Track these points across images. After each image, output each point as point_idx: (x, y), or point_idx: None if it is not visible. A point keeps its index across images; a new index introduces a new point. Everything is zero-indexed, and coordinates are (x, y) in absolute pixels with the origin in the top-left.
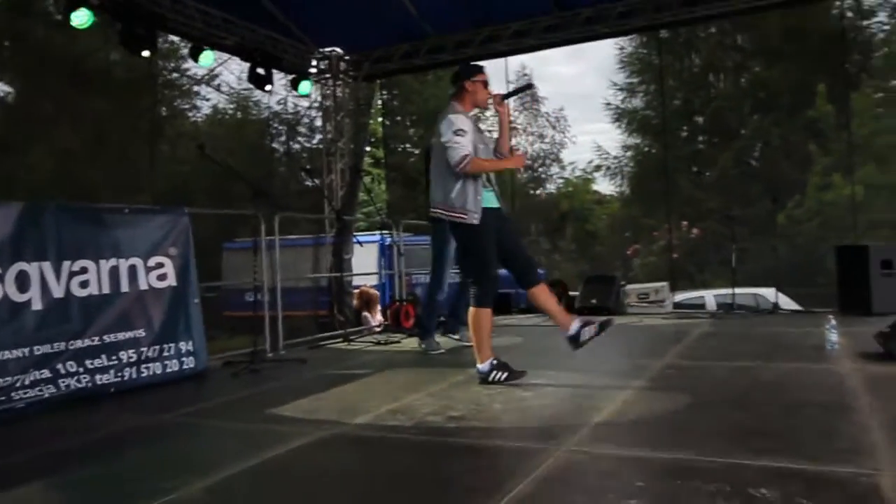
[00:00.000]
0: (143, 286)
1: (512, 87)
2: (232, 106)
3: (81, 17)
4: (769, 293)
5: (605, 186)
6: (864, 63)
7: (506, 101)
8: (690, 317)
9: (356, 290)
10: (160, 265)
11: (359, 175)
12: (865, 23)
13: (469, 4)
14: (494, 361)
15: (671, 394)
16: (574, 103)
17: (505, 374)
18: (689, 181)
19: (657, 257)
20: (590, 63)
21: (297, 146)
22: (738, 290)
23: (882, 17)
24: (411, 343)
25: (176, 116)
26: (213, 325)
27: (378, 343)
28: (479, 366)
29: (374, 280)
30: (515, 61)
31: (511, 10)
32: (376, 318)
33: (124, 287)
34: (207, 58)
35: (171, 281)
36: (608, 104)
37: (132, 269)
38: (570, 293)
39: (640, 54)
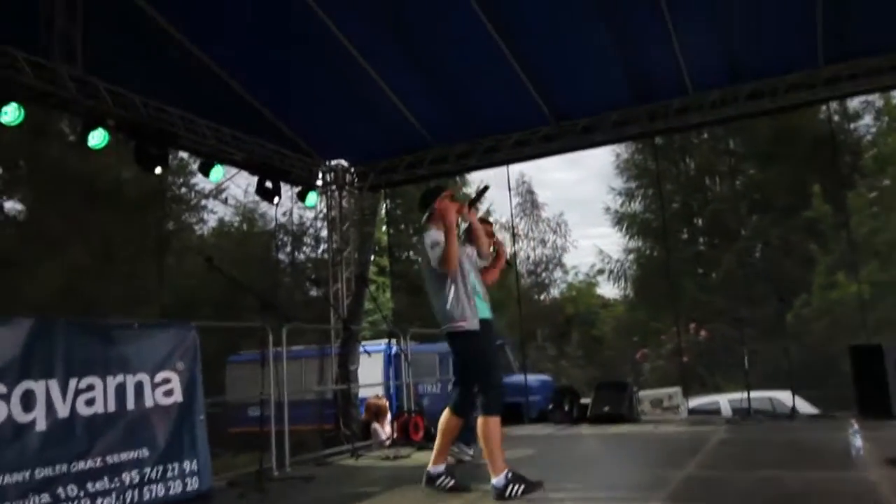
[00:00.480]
0: (149, 403)
1: (472, 196)
2: (238, 218)
3: (98, 138)
4: (785, 396)
5: (608, 290)
6: (855, 163)
7: (473, 209)
8: (706, 423)
9: (364, 402)
10: (167, 381)
11: (365, 284)
12: (853, 125)
13: (470, 116)
14: (510, 474)
15: None
16: (574, 208)
17: (522, 487)
18: (694, 283)
19: (666, 361)
20: (588, 169)
21: (302, 257)
22: (752, 394)
23: (868, 119)
24: (421, 457)
25: (183, 230)
26: (218, 443)
27: (387, 458)
28: (494, 480)
29: (382, 390)
30: (515, 169)
31: (511, 122)
32: (386, 429)
33: (130, 404)
34: (217, 173)
35: (178, 397)
36: (608, 209)
37: (139, 386)
38: (582, 401)
39: (637, 160)
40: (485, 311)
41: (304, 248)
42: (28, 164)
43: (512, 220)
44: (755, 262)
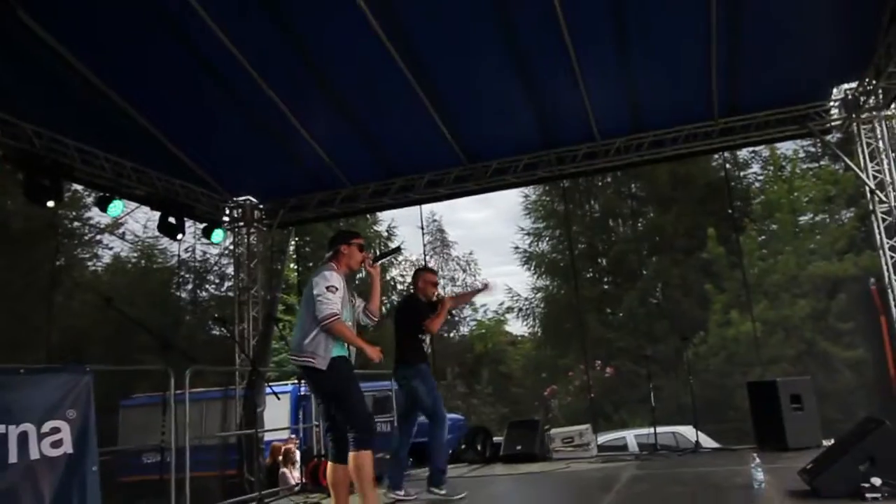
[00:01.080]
0: (34, 455)
1: (382, 252)
2: (136, 254)
3: None
4: (687, 431)
5: (517, 328)
6: (745, 208)
7: (377, 264)
8: (615, 459)
9: (270, 445)
10: (56, 430)
11: (272, 323)
12: (742, 173)
13: (383, 156)
14: None
15: None
16: (483, 247)
17: None
18: (599, 321)
19: (574, 397)
20: (497, 209)
21: (205, 294)
22: (658, 430)
23: (756, 167)
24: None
25: (75, 266)
26: (108, 493)
27: None
28: None
29: (293, 433)
30: (427, 208)
31: (424, 162)
32: (295, 474)
33: (13, 457)
34: (116, 208)
35: (68, 448)
36: (517, 248)
37: (22, 437)
38: (495, 439)
39: (544, 201)
40: (341, 351)
41: (208, 286)
42: None
43: (424, 258)
44: (657, 301)
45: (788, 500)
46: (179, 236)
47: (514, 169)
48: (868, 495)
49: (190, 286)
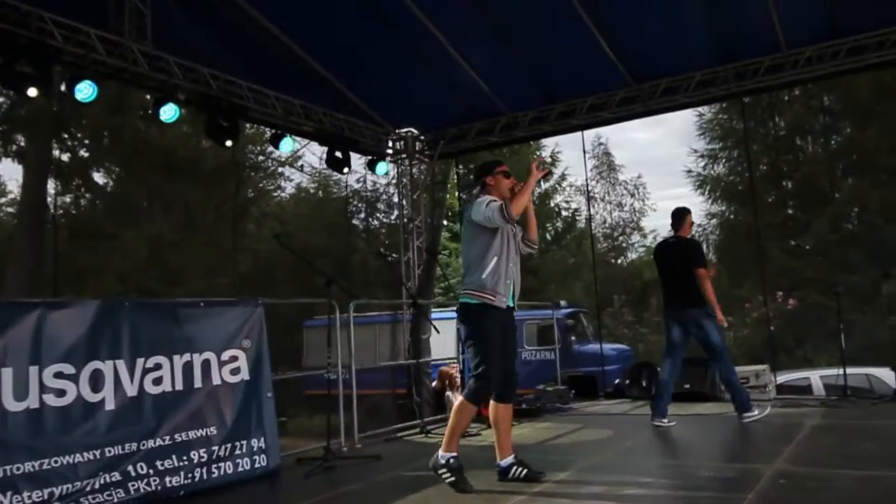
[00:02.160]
0: (216, 381)
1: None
2: (314, 185)
3: (169, 112)
4: (885, 374)
5: None
6: None
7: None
8: (798, 405)
9: (438, 370)
10: (234, 359)
11: (435, 256)
12: None
13: (542, 81)
14: (452, 461)
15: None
16: (653, 170)
17: (451, 477)
18: (782, 249)
19: (751, 330)
20: (668, 128)
21: (376, 223)
22: (848, 371)
23: None
24: (491, 434)
25: (261, 197)
26: (295, 405)
27: None
28: (441, 452)
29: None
30: (592, 130)
31: (585, 85)
32: (458, 399)
33: (197, 383)
34: (288, 144)
35: (245, 375)
36: (689, 171)
37: (206, 364)
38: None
39: (721, 119)
40: (510, 300)
41: (378, 215)
42: (112, 137)
43: (587, 183)
44: (852, 227)
45: None
46: (346, 170)
47: (685, 87)
48: None
49: (363, 215)
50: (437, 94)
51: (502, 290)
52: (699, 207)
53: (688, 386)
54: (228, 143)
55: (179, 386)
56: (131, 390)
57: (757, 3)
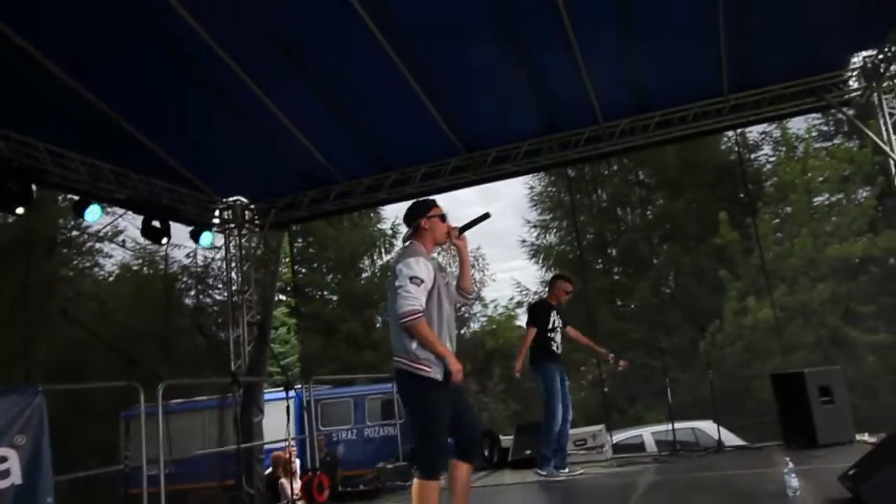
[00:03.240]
0: None
1: (468, 221)
2: (138, 262)
3: None
4: (707, 426)
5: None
6: (757, 192)
7: (464, 235)
8: (633, 462)
9: (271, 455)
10: (3, 459)
11: (267, 329)
12: (753, 155)
13: (375, 149)
14: None
15: None
16: (491, 242)
17: None
18: (610, 313)
19: (587, 392)
20: (503, 202)
21: (208, 300)
22: (676, 425)
23: (767, 149)
24: None
25: (76, 276)
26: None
27: None
28: None
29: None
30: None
31: (418, 154)
32: (295, 486)
33: None
34: (94, 213)
35: (16, 479)
36: (523, 241)
37: None
38: (503, 443)
39: (550, 192)
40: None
41: (210, 291)
42: None
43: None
44: (670, 291)
45: None
46: (164, 240)
47: (514, 157)
48: None
49: (192, 292)
50: (267, 162)
51: (437, 361)
52: (535, 275)
53: (529, 452)
54: (20, 209)
55: None
56: None
57: (574, 79)
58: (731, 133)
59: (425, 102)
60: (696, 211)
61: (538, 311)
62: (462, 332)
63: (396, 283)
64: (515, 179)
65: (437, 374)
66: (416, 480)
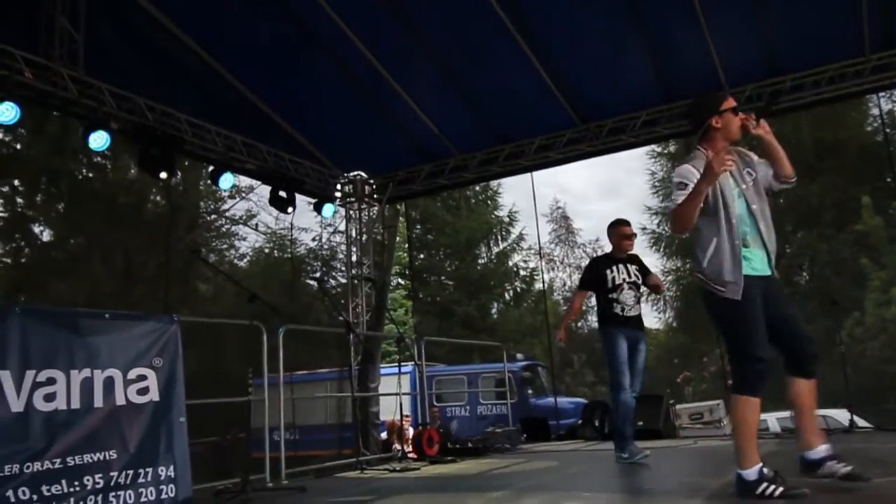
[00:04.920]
0: (119, 401)
1: (759, 104)
2: (269, 245)
3: (99, 140)
4: (839, 414)
5: (650, 321)
6: None
7: (762, 120)
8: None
9: (386, 422)
10: (142, 378)
11: (384, 299)
12: None
13: (490, 122)
14: (765, 470)
15: None
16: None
17: (780, 489)
18: None
19: (709, 384)
20: (627, 200)
21: (333, 282)
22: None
23: None
24: (431, 470)
25: (215, 256)
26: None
27: (393, 470)
28: (742, 471)
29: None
30: (550, 196)
31: (533, 126)
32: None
33: (98, 402)
34: (228, 180)
35: (154, 396)
36: (644, 228)
37: (108, 382)
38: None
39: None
40: (757, 265)
41: (335, 273)
42: (49, 182)
43: (538, 239)
44: (804, 280)
45: None
46: (290, 210)
47: (631, 127)
48: None
49: (318, 274)
50: (386, 137)
51: (730, 278)
52: (655, 267)
53: (641, 423)
54: (163, 174)
55: (76, 404)
56: (16, 405)
57: (696, 43)
58: (876, 112)
59: (541, 73)
60: (834, 196)
61: (586, 272)
62: (579, 324)
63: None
64: (639, 171)
65: (733, 295)
66: (732, 398)
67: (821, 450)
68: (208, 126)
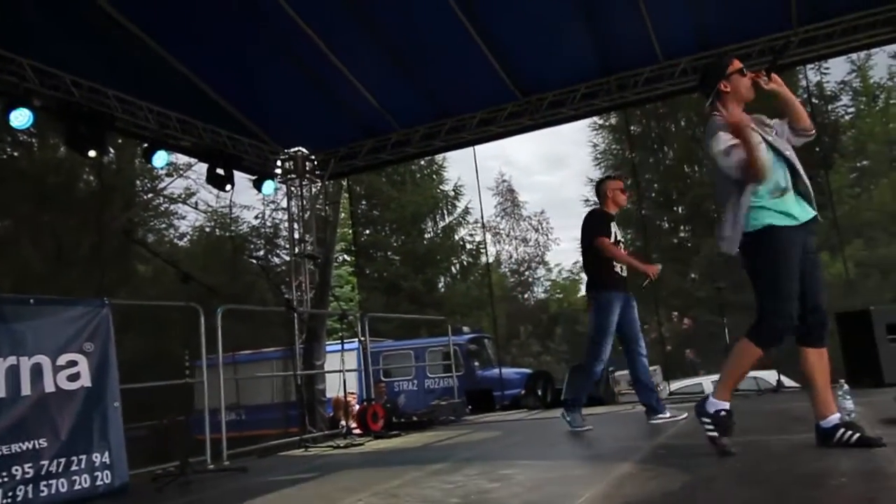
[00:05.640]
0: (48, 388)
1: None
2: (211, 223)
3: (20, 118)
4: (769, 375)
5: None
6: (834, 144)
7: (773, 75)
8: (689, 401)
9: (332, 399)
10: (72, 363)
11: (328, 276)
12: (830, 106)
13: (432, 97)
14: (723, 413)
15: (665, 473)
16: (559, 210)
17: (716, 434)
18: (675, 272)
19: (650, 350)
20: (571, 170)
21: (278, 260)
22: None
23: (845, 100)
24: (376, 445)
25: (153, 237)
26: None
27: (337, 447)
28: (712, 399)
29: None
30: (496, 170)
31: (475, 100)
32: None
33: (25, 389)
34: (161, 158)
35: (85, 381)
36: (587, 200)
37: (36, 369)
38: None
39: (614, 150)
40: (798, 209)
41: (280, 252)
42: None
43: (482, 213)
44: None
45: (883, 427)
46: (228, 187)
47: (571, 100)
48: None
49: (261, 252)
50: (327, 113)
51: (779, 222)
52: None
53: None
54: (92, 153)
55: (1, 393)
56: None
57: (633, 17)
58: (804, 83)
59: (482, 48)
60: None
61: (599, 223)
62: (525, 296)
63: (722, 165)
64: (582, 144)
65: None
66: (742, 338)
67: (832, 419)
68: (139, 103)
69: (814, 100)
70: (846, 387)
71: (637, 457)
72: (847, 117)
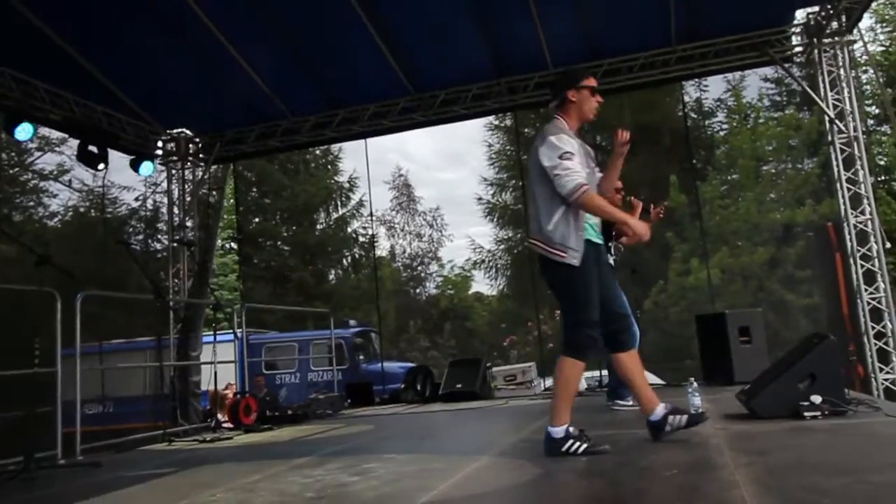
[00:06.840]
0: None
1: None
2: (85, 204)
3: None
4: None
5: (485, 287)
6: (709, 158)
7: (627, 133)
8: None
9: (207, 392)
10: None
11: (208, 267)
12: (707, 122)
13: (325, 86)
14: (571, 429)
15: (519, 466)
16: (454, 208)
17: (584, 447)
18: None
19: (533, 347)
20: (469, 168)
21: (158, 245)
22: (605, 372)
23: (721, 116)
24: (246, 439)
25: (19, 216)
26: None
27: (203, 441)
28: (551, 428)
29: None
30: (393, 164)
31: (369, 92)
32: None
33: None
34: (26, 131)
35: None
36: (480, 199)
37: None
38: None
39: (508, 151)
40: (592, 234)
41: (159, 236)
42: None
43: (371, 206)
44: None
45: (724, 422)
46: (101, 166)
47: (463, 99)
48: (807, 414)
49: (141, 236)
50: (214, 95)
51: (574, 245)
52: (489, 234)
53: (459, 385)
54: None
55: None
56: None
57: (526, 24)
58: (687, 98)
59: (377, 41)
60: (648, 174)
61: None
62: (417, 291)
63: (546, 164)
64: (479, 143)
65: (572, 260)
66: (560, 357)
67: (658, 411)
68: (2, 69)
69: (692, 115)
70: (695, 384)
71: (496, 450)
72: (721, 133)
